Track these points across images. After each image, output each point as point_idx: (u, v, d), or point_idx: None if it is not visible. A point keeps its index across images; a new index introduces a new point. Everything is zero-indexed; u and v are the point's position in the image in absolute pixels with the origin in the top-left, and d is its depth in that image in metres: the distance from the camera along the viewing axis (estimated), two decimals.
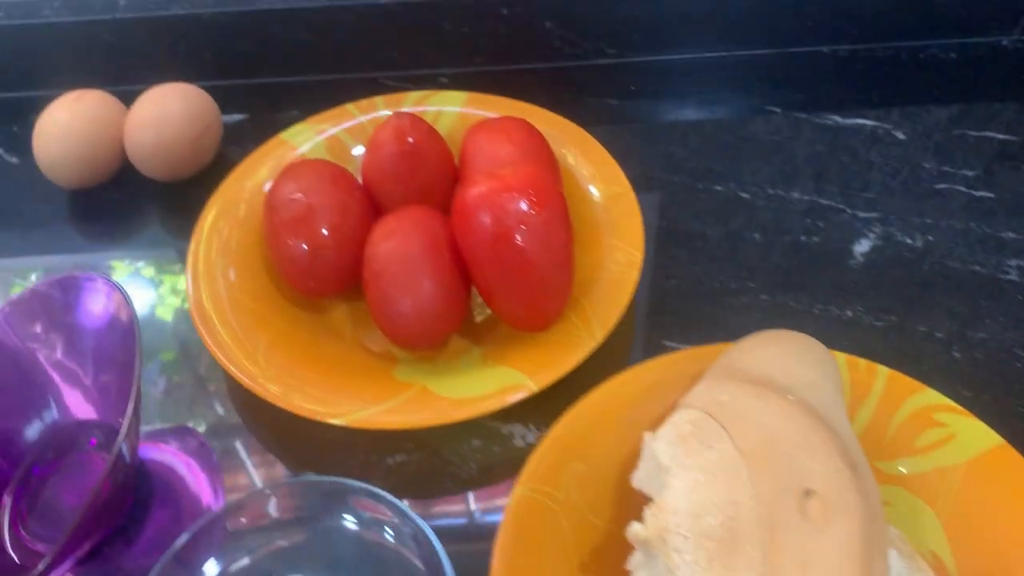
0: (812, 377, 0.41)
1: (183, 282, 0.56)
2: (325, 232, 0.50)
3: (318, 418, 0.45)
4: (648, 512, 0.37)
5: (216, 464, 0.48)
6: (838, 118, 0.64)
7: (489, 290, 0.48)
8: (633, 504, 0.43)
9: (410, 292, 0.47)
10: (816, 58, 0.69)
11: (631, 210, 0.54)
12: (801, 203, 0.59)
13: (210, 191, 0.59)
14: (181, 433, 0.50)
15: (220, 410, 0.50)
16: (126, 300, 0.45)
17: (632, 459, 0.44)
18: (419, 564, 0.41)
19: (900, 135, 0.63)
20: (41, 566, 0.37)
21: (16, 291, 0.57)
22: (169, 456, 0.49)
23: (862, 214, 0.58)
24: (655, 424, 0.45)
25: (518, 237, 0.46)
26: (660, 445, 0.39)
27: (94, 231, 0.61)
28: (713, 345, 0.47)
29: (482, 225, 0.46)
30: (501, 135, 0.53)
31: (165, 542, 0.45)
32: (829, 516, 0.34)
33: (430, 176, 0.54)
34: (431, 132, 0.54)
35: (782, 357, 0.42)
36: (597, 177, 0.56)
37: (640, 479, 0.41)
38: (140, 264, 0.58)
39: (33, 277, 0.58)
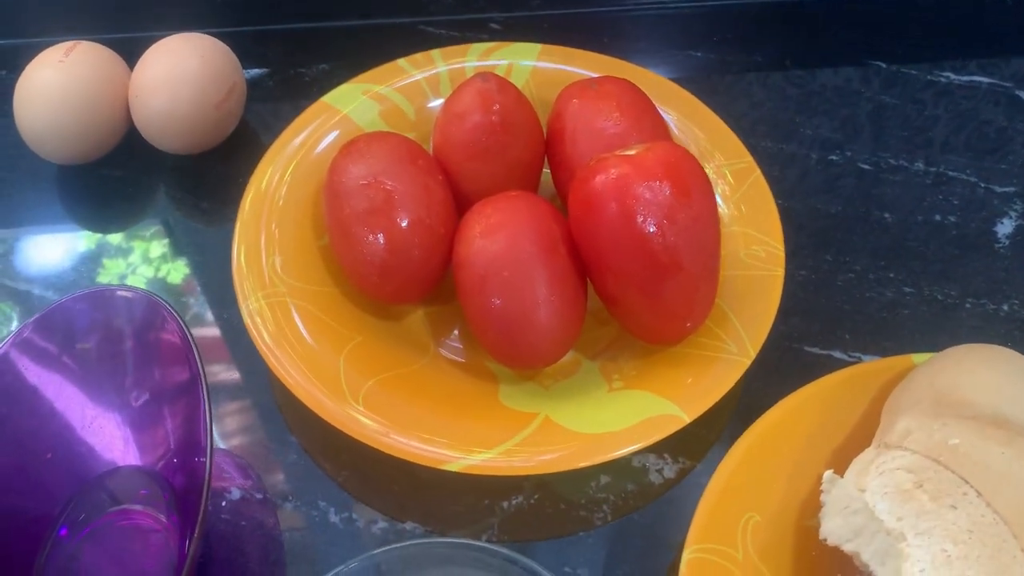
0: None
1: (213, 281, 0.47)
2: (407, 225, 0.41)
3: (431, 464, 0.37)
4: None
5: (283, 517, 0.40)
6: (952, 75, 0.57)
7: (616, 295, 0.40)
8: (817, 557, 0.36)
9: (524, 301, 0.39)
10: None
11: (761, 191, 0.46)
12: (928, 176, 0.52)
13: (236, 165, 0.49)
14: (238, 478, 0.41)
15: (285, 448, 0.41)
16: (176, 317, 0.35)
17: (811, 502, 0.37)
18: None
19: (1022, 94, 0.56)
20: None
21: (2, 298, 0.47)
22: (225, 510, 0.40)
23: (999, 188, 0.51)
24: (834, 460, 0.38)
25: (663, 234, 0.37)
26: (876, 500, 0.32)
27: (93, 217, 0.50)
28: (889, 359, 0.40)
29: (615, 218, 0.38)
30: (607, 102, 0.44)
31: None
32: None
33: (520, 152, 0.44)
34: (520, 98, 0.45)
35: (1002, 382, 0.35)
36: (714, 151, 0.47)
37: (836, 536, 0.34)
38: (154, 260, 0.48)
39: (22, 279, 0.47)
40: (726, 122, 0.48)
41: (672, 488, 0.40)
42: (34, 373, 0.37)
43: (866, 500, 0.33)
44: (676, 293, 0.39)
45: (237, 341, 0.44)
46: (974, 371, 0.36)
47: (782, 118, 0.54)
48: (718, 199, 0.45)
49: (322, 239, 0.45)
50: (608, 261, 0.39)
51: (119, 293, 0.37)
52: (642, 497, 0.40)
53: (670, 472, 0.41)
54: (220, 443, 0.42)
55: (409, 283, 0.42)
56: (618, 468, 0.40)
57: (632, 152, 0.39)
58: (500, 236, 0.39)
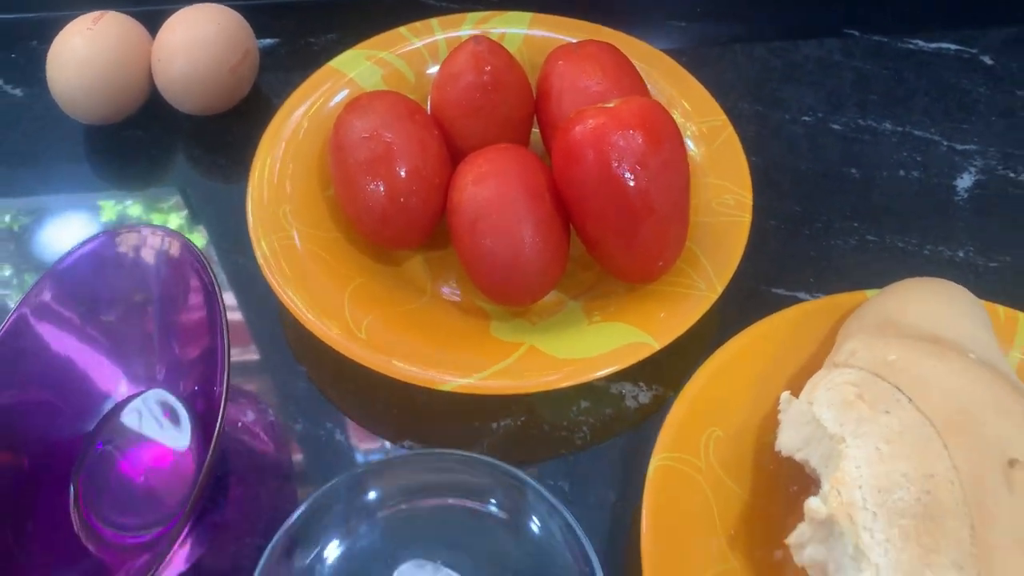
0: (975, 331, 0.38)
1: (229, 231, 0.51)
2: (404, 174, 0.45)
3: (427, 385, 0.41)
4: (828, 487, 0.34)
5: (293, 437, 0.44)
6: (921, 42, 0.60)
7: (596, 237, 0.44)
8: (774, 471, 0.40)
9: (512, 242, 0.42)
10: None
11: (733, 147, 0.49)
12: (895, 135, 0.55)
13: (250, 126, 0.52)
14: (252, 403, 0.45)
15: (294, 377, 0.45)
16: (198, 255, 0.39)
17: (770, 421, 0.41)
18: (551, 539, 0.38)
19: (987, 60, 0.59)
20: (156, 568, 0.32)
21: (39, 243, 0.51)
22: (241, 431, 0.44)
23: (960, 146, 0.54)
24: (791, 383, 0.42)
25: (635, 179, 0.41)
26: (822, 410, 0.36)
27: (118, 173, 0.54)
28: (845, 294, 0.43)
29: (593, 165, 0.41)
30: (590, 63, 0.48)
31: (249, 524, 0.41)
32: None
33: (511, 110, 0.48)
34: (511, 60, 0.49)
35: (940, 308, 0.39)
36: (691, 111, 0.51)
37: (788, 446, 0.38)
38: (173, 212, 0.52)
39: (52, 227, 0.51)
40: (707, 87, 0.52)
41: (646, 413, 0.44)
42: (70, 305, 0.41)
43: (814, 412, 0.36)
44: (649, 234, 0.43)
45: (250, 285, 0.48)
46: (916, 299, 0.40)
47: (760, 84, 0.58)
48: (693, 152, 0.49)
49: (328, 190, 0.49)
50: (588, 205, 0.43)
51: (147, 232, 0.41)
52: (619, 420, 0.44)
53: (645, 398, 0.44)
54: (235, 373, 0.46)
55: (407, 228, 0.46)
56: (597, 395, 0.44)
57: (610, 105, 0.43)
58: (490, 183, 0.43)
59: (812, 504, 0.34)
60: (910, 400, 0.34)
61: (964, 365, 0.35)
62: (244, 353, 0.46)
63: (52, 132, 0.55)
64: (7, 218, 0.52)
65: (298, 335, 0.46)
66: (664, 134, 0.42)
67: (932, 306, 0.39)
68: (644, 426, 0.44)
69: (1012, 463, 0.32)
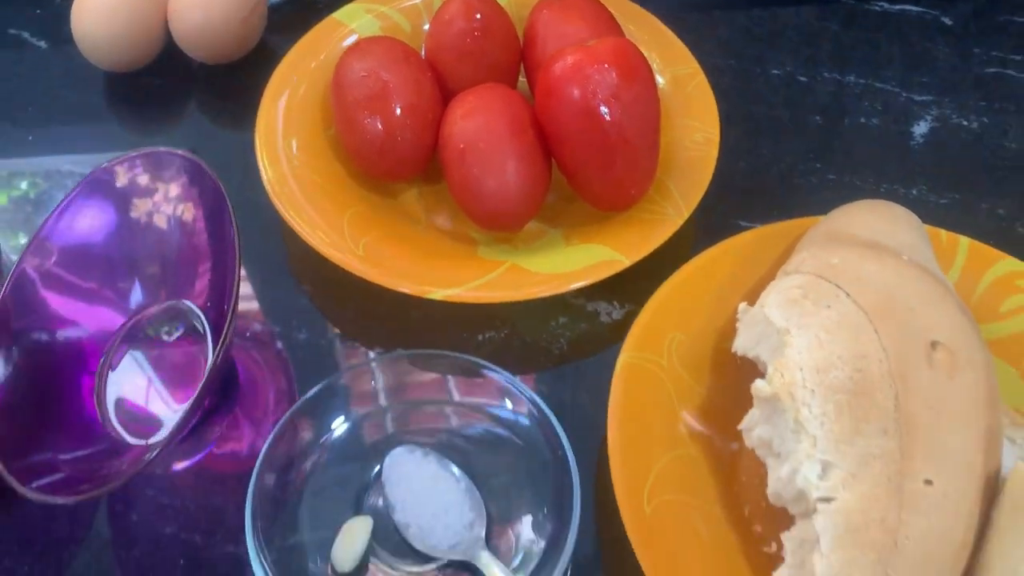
0: (914, 241, 0.42)
1: (238, 169, 0.55)
2: (400, 110, 0.49)
3: (416, 293, 0.45)
4: (772, 369, 0.38)
5: (296, 345, 0.48)
6: (885, 4, 0.64)
7: (574, 168, 0.48)
8: (731, 372, 0.44)
9: (496, 169, 0.47)
10: None
11: (703, 91, 0.53)
12: (857, 87, 0.59)
13: (259, 74, 0.56)
14: (258, 318, 0.49)
15: (297, 295, 0.50)
16: (214, 176, 0.43)
17: (728, 329, 0.45)
18: (528, 430, 0.42)
19: (947, 20, 0.63)
20: (154, 453, 0.36)
21: (54, 181, 0.55)
22: (248, 340, 0.48)
23: (918, 97, 0.59)
24: (749, 296, 0.46)
25: (610, 111, 0.45)
26: (771, 310, 0.40)
27: (135, 116, 0.58)
28: (801, 219, 0.47)
29: (571, 99, 0.45)
30: (572, 12, 0.52)
31: (254, 424, 0.45)
32: (956, 366, 0.36)
33: (499, 54, 0.52)
34: (498, 8, 0.53)
35: (882, 223, 0.43)
36: (665, 59, 0.55)
37: (743, 346, 0.42)
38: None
39: (71, 166, 0.56)
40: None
41: (619, 328, 0.48)
42: (99, 220, 0.45)
43: (764, 312, 0.40)
44: (623, 163, 0.47)
45: (257, 215, 0.51)
46: (861, 215, 0.44)
47: (734, 42, 0.62)
48: (666, 96, 0.53)
49: (330, 130, 0.53)
50: (567, 136, 0.47)
51: (166, 153, 0.45)
52: (593, 334, 0.48)
53: (618, 315, 0.49)
54: (243, 292, 0.50)
55: (402, 160, 0.50)
56: (574, 311, 0.49)
57: (587, 45, 0.47)
58: (478, 117, 0.47)
59: (758, 384, 0.38)
60: (848, 295, 0.38)
61: (896, 264, 0.39)
62: (251, 274, 0.51)
63: (75, 80, 0.59)
64: (35, 149, 0.56)
65: (300, 258, 0.50)
66: (636, 70, 0.46)
67: (875, 220, 0.43)
68: (616, 339, 0.47)
69: (934, 344, 0.36)
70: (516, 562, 0.39)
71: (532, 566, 0.38)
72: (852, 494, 0.35)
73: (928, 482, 0.34)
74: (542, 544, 0.39)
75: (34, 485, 0.35)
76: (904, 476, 0.34)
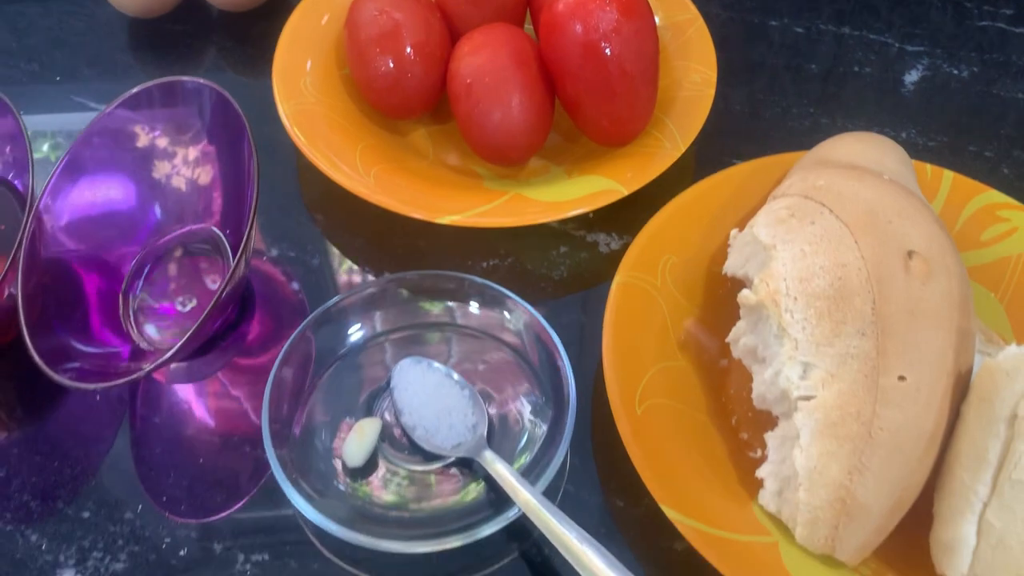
0: (898, 168, 0.45)
1: (255, 108, 0.57)
2: (410, 49, 0.51)
3: (424, 218, 0.47)
4: (758, 280, 0.40)
5: (309, 270, 0.50)
6: None
7: (576, 103, 0.50)
8: (721, 293, 0.46)
9: (502, 103, 0.49)
10: None
11: (702, 35, 0.55)
12: (852, 38, 0.61)
13: (276, 20, 0.59)
14: (274, 243, 0.52)
15: (310, 224, 0.52)
16: (235, 105, 0.46)
17: (720, 254, 0.47)
18: (526, 342, 0.44)
19: None
20: (170, 353, 0.39)
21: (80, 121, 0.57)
22: (265, 263, 0.51)
23: (911, 48, 0.61)
24: (741, 224, 0.48)
25: (611, 46, 0.47)
26: (759, 229, 0.42)
27: (158, 61, 0.61)
28: (793, 152, 0.49)
29: (573, 35, 0.48)
30: None
31: (270, 340, 0.47)
32: (931, 273, 0.38)
33: None
34: None
35: (868, 151, 0.45)
36: (665, 6, 0.57)
37: (732, 267, 0.44)
38: None
39: (95, 104, 0.58)
40: None
41: (617, 257, 0.50)
42: (126, 143, 0.48)
43: (753, 232, 0.43)
44: (623, 96, 0.49)
45: (272, 151, 0.54)
46: (848, 144, 0.46)
47: None
48: (665, 40, 0.55)
49: (343, 70, 0.55)
50: (569, 70, 0.49)
51: (189, 81, 0.47)
52: (592, 262, 0.50)
53: (616, 245, 0.51)
54: (259, 221, 0.52)
55: (412, 96, 0.52)
56: (575, 242, 0.51)
57: None
58: (484, 52, 0.50)
59: (745, 293, 0.40)
60: (831, 211, 0.41)
61: (877, 182, 0.41)
62: (267, 204, 0.53)
63: (102, 27, 0.62)
64: (62, 90, 0.59)
65: (313, 190, 0.52)
66: (636, 6, 0.48)
67: (862, 148, 0.45)
68: (614, 268, 0.50)
69: (910, 254, 0.38)
70: (520, 445, 0.42)
71: (535, 449, 0.41)
72: (830, 392, 0.37)
73: (902, 378, 0.36)
74: (543, 431, 0.41)
75: (62, 370, 0.38)
76: (879, 373, 0.36)
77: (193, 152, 0.49)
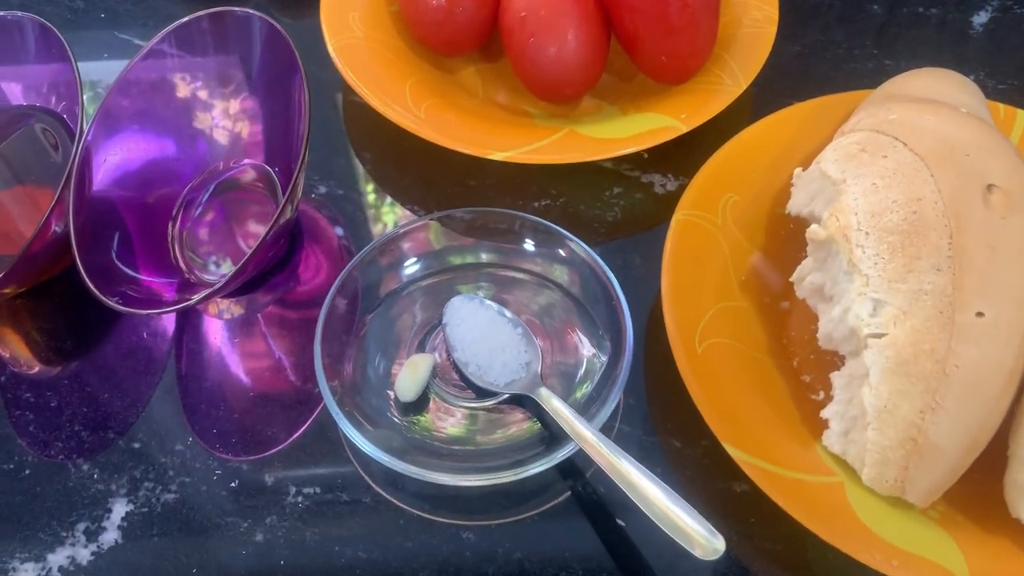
0: (972, 103, 0.43)
1: (302, 50, 0.56)
2: None
3: (475, 153, 0.46)
4: (827, 214, 0.39)
5: (358, 207, 0.49)
6: None
7: (634, 37, 0.48)
8: (783, 234, 0.45)
9: (557, 36, 0.47)
10: None
11: None
12: None
13: None
14: (323, 180, 0.51)
15: (359, 162, 0.51)
16: (286, 36, 0.45)
17: (783, 194, 0.45)
18: (581, 278, 0.43)
19: None
20: (219, 284, 0.38)
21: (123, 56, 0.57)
22: (313, 201, 0.50)
23: None
24: (804, 162, 0.46)
25: None
26: (827, 164, 0.41)
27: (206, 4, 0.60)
28: (859, 91, 0.48)
29: None
30: None
31: (319, 276, 0.47)
32: (1012, 207, 0.36)
33: None
34: None
35: (942, 86, 0.43)
36: None
37: (797, 205, 0.43)
38: None
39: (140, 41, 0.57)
40: None
41: (672, 199, 0.48)
42: (174, 77, 0.47)
43: (821, 168, 0.41)
44: (683, 30, 0.47)
45: (319, 92, 0.53)
46: (920, 79, 0.44)
47: None
48: None
49: (392, 5, 0.54)
50: (627, 2, 0.47)
51: (239, 12, 0.46)
52: (647, 203, 0.49)
53: (672, 187, 0.49)
54: (311, 157, 0.51)
55: (462, 32, 0.51)
56: (629, 182, 0.49)
57: None
58: None
59: (813, 228, 0.39)
60: (905, 144, 0.39)
61: (954, 114, 0.39)
62: (316, 143, 0.52)
63: None
64: (106, 24, 0.58)
65: (362, 128, 0.51)
66: None
67: (934, 83, 0.43)
68: (670, 210, 0.48)
69: (990, 187, 0.37)
70: (575, 382, 0.41)
71: (590, 387, 0.40)
72: (902, 329, 0.35)
73: (980, 314, 0.35)
74: (600, 368, 0.41)
75: (111, 295, 0.37)
76: (956, 309, 0.35)
77: (243, 85, 0.48)
